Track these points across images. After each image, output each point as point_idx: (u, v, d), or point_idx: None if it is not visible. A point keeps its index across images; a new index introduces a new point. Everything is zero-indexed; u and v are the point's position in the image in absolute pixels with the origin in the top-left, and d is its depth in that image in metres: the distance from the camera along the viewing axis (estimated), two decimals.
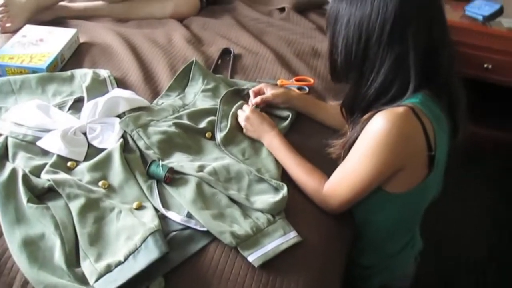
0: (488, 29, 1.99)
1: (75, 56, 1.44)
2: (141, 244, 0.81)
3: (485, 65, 2.07)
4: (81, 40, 1.52)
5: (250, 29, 1.73)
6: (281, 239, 0.88)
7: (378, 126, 0.87)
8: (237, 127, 1.16)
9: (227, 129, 1.14)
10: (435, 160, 0.90)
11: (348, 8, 0.90)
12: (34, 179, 0.94)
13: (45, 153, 1.03)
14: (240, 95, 1.29)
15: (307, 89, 1.36)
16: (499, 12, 2.00)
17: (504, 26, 2.01)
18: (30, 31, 1.46)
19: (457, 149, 1.02)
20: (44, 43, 1.39)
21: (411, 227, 1.11)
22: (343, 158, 0.96)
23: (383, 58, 0.88)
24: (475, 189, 2.08)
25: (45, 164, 0.99)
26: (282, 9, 1.89)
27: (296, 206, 0.98)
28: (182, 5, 1.81)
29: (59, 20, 1.66)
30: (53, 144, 1.03)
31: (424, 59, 0.88)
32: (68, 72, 1.30)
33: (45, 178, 0.95)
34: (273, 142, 1.09)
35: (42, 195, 0.93)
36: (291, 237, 0.89)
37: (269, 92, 1.22)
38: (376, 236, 1.08)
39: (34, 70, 1.29)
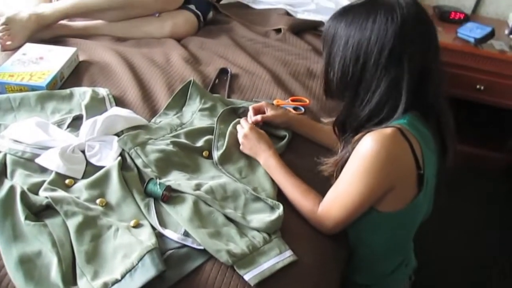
0: (480, 51, 2.04)
1: (74, 74, 1.46)
2: (138, 262, 0.82)
3: (478, 86, 2.11)
4: (81, 58, 1.54)
5: (247, 50, 1.76)
6: (277, 258, 0.89)
7: (367, 147, 0.89)
8: (234, 146, 1.17)
9: (224, 147, 1.15)
10: (424, 179, 0.92)
11: (347, 29, 0.92)
12: (32, 196, 0.94)
13: (43, 170, 1.04)
14: (237, 114, 1.31)
15: (302, 109, 1.39)
16: (491, 35, 2.05)
17: (495, 48, 2.06)
18: (30, 49, 1.48)
19: (450, 168, 1.04)
20: (44, 61, 1.41)
21: (404, 245, 1.12)
22: (336, 177, 0.98)
23: (379, 80, 0.90)
24: (468, 207, 2.10)
25: (43, 182, 0.99)
26: (278, 30, 1.93)
27: (292, 225, 0.99)
28: (180, 25, 1.84)
29: (59, 38, 1.69)
30: (52, 161, 1.04)
31: (417, 82, 0.90)
32: (67, 90, 1.32)
33: (43, 196, 0.95)
34: (269, 162, 1.10)
35: (40, 213, 0.93)
36: (287, 256, 0.90)
37: (269, 112, 1.24)
38: (370, 255, 1.09)
39: (33, 88, 1.30)
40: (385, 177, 0.90)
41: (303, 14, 2.07)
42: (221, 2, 2.17)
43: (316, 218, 1.00)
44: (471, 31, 2.07)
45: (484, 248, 1.91)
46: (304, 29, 1.97)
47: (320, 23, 2.00)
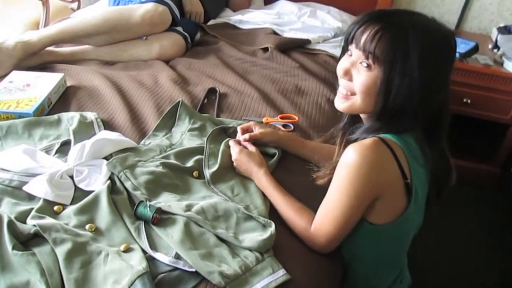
0: (466, 66, 2.07)
1: (62, 100, 1.45)
2: (129, 287, 0.80)
3: (465, 100, 2.13)
4: (68, 83, 1.53)
5: (235, 69, 1.77)
6: (270, 277, 0.88)
7: (348, 159, 0.90)
8: (226, 164, 1.17)
9: (216, 167, 1.15)
10: (412, 189, 0.93)
11: (417, 45, 0.87)
12: (19, 225, 0.92)
13: (31, 198, 1.02)
14: (226, 133, 1.31)
15: (292, 126, 1.39)
16: (475, 50, 2.08)
17: (480, 62, 2.09)
18: (17, 76, 1.47)
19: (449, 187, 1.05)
20: (31, 88, 1.40)
21: (398, 260, 1.11)
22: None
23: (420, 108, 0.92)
24: (461, 222, 2.10)
25: (31, 209, 0.98)
26: (265, 49, 1.94)
27: (285, 243, 0.98)
28: (167, 47, 1.84)
29: (46, 65, 1.69)
30: (39, 188, 1.02)
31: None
32: (55, 116, 1.31)
33: (31, 224, 0.93)
34: (262, 181, 1.10)
35: (28, 241, 0.91)
36: (280, 275, 0.89)
37: (257, 130, 1.24)
38: (363, 271, 1.08)
39: (20, 115, 1.29)
40: (370, 186, 0.91)
41: (289, 33, 2.09)
42: (208, 23, 2.19)
43: (310, 236, 0.99)
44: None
45: (479, 263, 1.90)
46: (291, 47, 1.98)
47: (307, 41, 2.02)
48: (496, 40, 2.18)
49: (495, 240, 2.03)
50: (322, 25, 2.20)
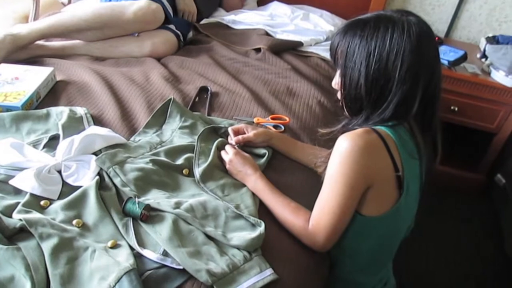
0: (454, 74, 2.09)
1: (51, 94, 1.43)
2: (115, 284, 0.80)
3: (452, 108, 2.16)
4: (58, 78, 1.52)
5: (227, 68, 1.77)
6: (257, 276, 0.88)
7: (339, 147, 0.93)
8: (216, 163, 1.17)
9: (206, 165, 1.15)
10: (404, 183, 0.94)
11: (365, 44, 0.93)
12: (5, 219, 0.91)
13: (17, 192, 1.01)
14: (217, 133, 1.31)
15: (282, 127, 1.39)
16: (463, 58, 2.11)
17: (468, 71, 2.12)
18: (6, 69, 1.45)
19: (427, 188, 1.06)
20: (19, 81, 1.38)
21: (386, 259, 1.12)
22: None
23: (394, 94, 0.93)
24: (445, 227, 2.12)
25: (17, 204, 0.96)
26: (258, 50, 1.95)
27: (273, 242, 0.98)
28: (159, 44, 1.83)
29: (36, 59, 1.66)
30: (27, 182, 1.01)
31: (426, 100, 0.96)
32: (44, 110, 1.29)
33: (17, 218, 0.92)
34: (256, 185, 1.10)
35: (14, 236, 0.90)
36: (267, 274, 0.89)
37: (250, 131, 1.24)
38: (350, 268, 1.09)
39: (8, 108, 1.27)
40: (361, 171, 0.92)
41: (282, 35, 2.10)
42: (201, 22, 2.19)
43: (309, 234, 0.99)
44: (444, 54, 2.12)
45: (462, 268, 1.93)
46: (283, 49, 1.99)
47: (299, 43, 2.03)
48: (484, 50, 2.21)
49: (477, 246, 2.05)
50: (315, 28, 2.21)
